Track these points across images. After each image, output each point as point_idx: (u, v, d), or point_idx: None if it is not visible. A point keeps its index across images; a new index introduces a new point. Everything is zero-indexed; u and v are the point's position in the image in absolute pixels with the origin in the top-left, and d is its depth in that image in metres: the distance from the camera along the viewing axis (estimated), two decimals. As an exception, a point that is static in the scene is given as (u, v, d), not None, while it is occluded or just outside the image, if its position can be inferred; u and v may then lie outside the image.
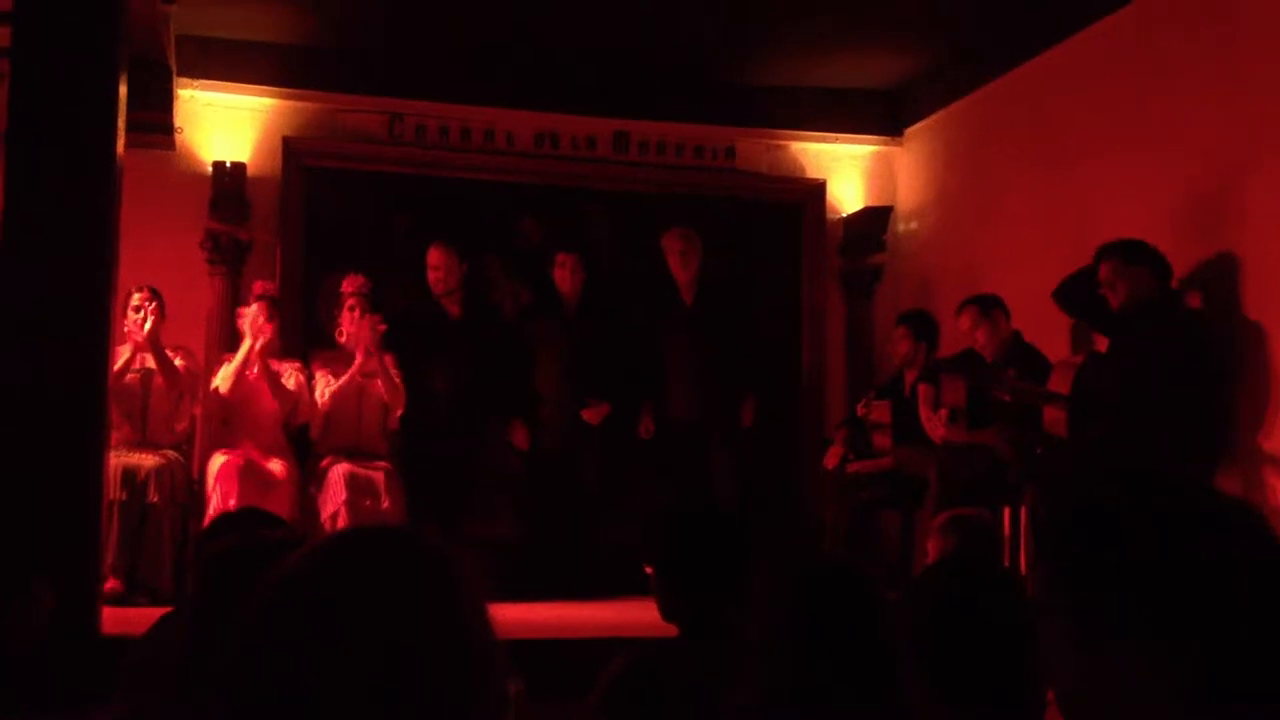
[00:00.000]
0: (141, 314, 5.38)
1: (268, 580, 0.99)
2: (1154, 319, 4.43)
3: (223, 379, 5.49)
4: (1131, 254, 4.48)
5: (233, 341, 5.74)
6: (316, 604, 0.96)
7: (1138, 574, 1.00)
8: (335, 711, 0.92)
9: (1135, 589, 0.99)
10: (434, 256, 5.93)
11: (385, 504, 5.37)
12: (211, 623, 1.37)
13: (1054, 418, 4.56)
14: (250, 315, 5.53)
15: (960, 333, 5.44)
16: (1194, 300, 4.67)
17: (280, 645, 0.94)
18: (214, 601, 1.59)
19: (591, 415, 5.99)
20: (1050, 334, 5.23)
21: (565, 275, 6.10)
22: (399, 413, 5.69)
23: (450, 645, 0.96)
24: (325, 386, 5.62)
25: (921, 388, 5.48)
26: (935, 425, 5.19)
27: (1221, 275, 4.67)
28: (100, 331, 3.61)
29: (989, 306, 5.29)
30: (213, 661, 0.98)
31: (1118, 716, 1.00)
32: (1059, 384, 4.60)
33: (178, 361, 5.48)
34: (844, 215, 7.10)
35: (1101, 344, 4.80)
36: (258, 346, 5.47)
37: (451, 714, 0.95)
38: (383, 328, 5.61)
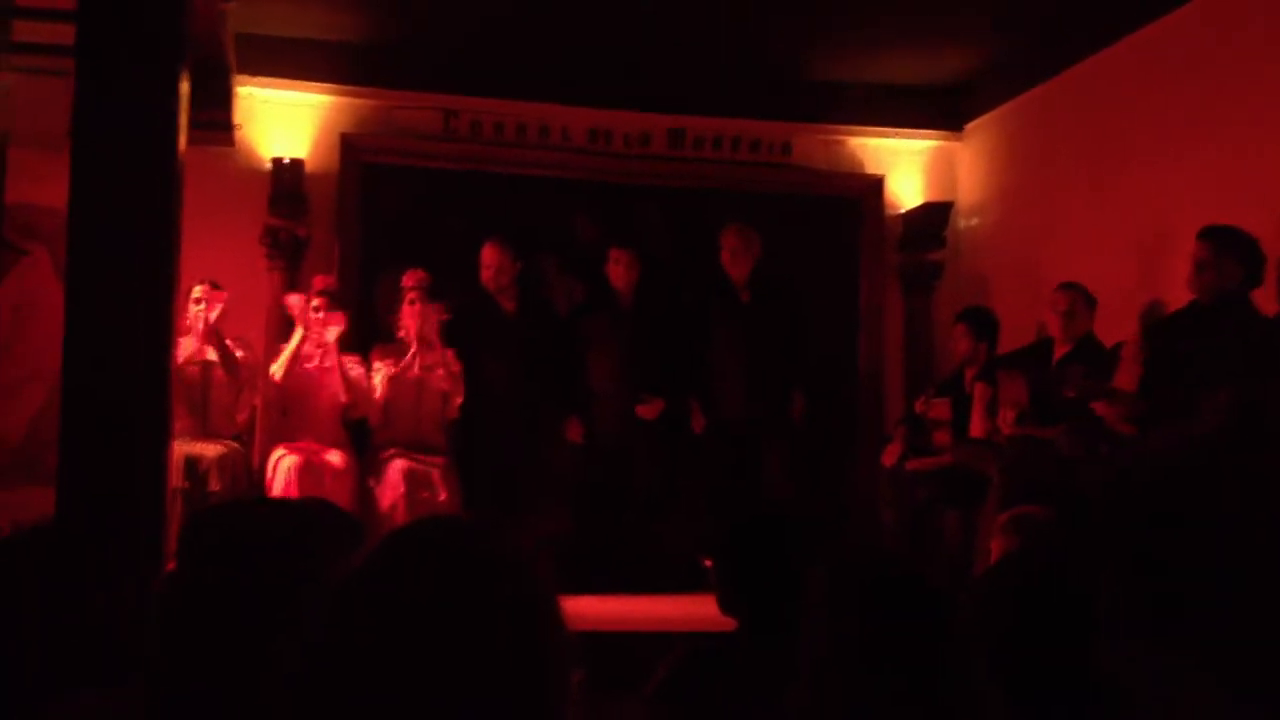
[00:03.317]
0: (202, 306, 5.49)
1: (337, 573, 0.99)
2: (1227, 317, 4.33)
3: (277, 365, 5.58)
4: (1226, 242, 4.38)
5: (290, 333, 5.83)
6: (391, 595, 0.96)
7: (1200, 576, 0.98)
8: (412, 698, 0.92)
9: (1198, 590, 0.97)
10: (488, 254, 5.96)
11: (442, 497, 5.43)
12: (185, 582, 1.37)
13: (1118, 415, 4.47)
14: (300, 306, 5.61)
15: (1051, 308, 5.29)
16: (1267, 302, 4.55)
17: (352, 638, 0.95)
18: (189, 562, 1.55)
19: (646, 411, 5.98)
20: (1115, 334, 5.13)
21: (620, 271, 6.10)
22: (459, 401, 5.73)
23: (522, 635, 0.96)
24: (384, 376, 5.68)
25: (978, 387, 5.42)
26: (1003, 423, 5.11)
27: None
28: (164, 324, 3.65)
29: (1090, 299, 5.20)
30: (283, 651, 0.98)
31: (1180, 716, 0.98)
32: (1124, 380, 4.51)
33: (238, 353, 5.59)
34: (903, 211, 7.04)
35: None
36: (331, 338, 5.54)
37: (521, 702, 0.94)
38: (445, 316, 5.67)
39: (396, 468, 5.45)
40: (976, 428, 5.31)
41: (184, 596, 1.31)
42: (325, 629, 0.96)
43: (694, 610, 4.21)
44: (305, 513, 1.48)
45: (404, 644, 0.93)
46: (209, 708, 1.24)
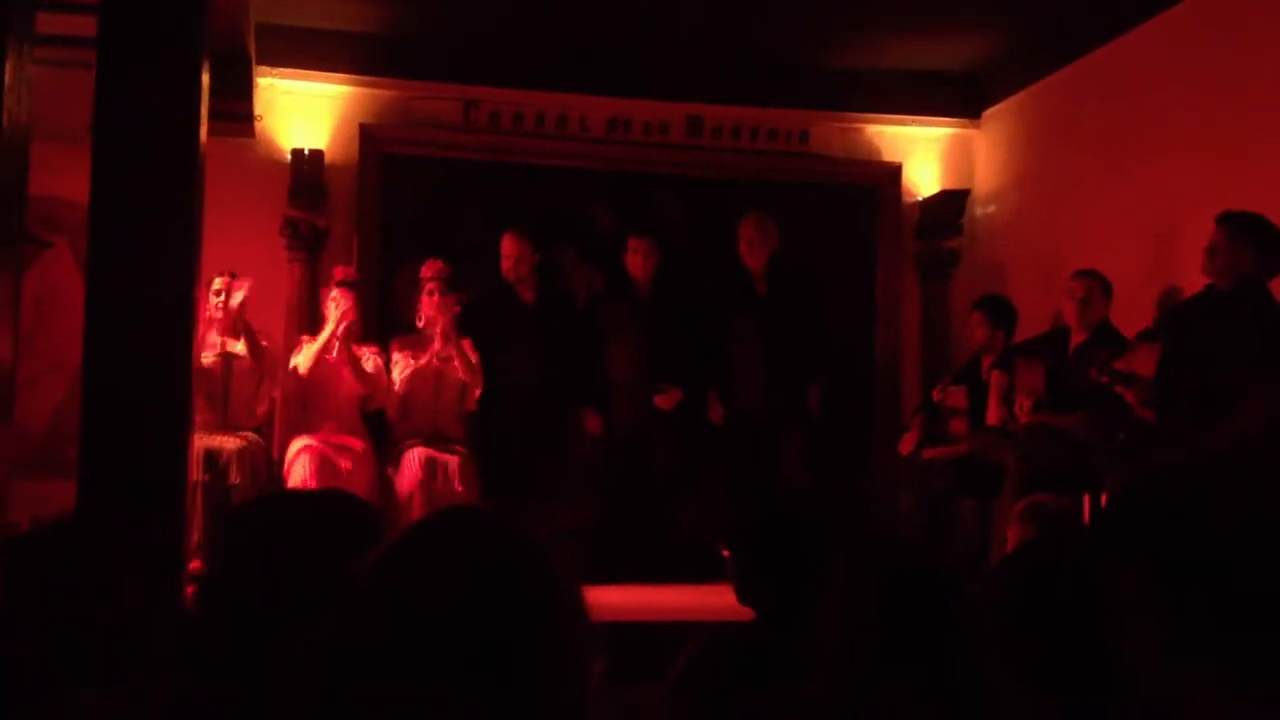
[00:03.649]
0: (222, 297, 5.52)
1: (358, 566, 1.01)
2: (1243, 303, 4.31)
3: (303, 359, 5.60)
4: (1241, 228, 4.35)
5: (313, 325, 5.85)
6: (412, 586, 0.97)
7: (1213, 577, 0.98)
8: (434, 689, 0.93)
9: (1211, 592, 0.97)
10: (507, 245, 5.97)
11: (459, 488, 5.44)
12: (222, 573, 1.40)
13: (1141, 401, 4.45)
14: (335, 299, 5.64)
15: (1068, 295, 5.28)
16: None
17: (373, 630, 0.96)
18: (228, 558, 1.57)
19: (664, 401, 5.99)
20: (1131, 321, 5.12)
21: (638, 261, 6.11)
22: (477, 393, 5.75)
23: (543, 625, 0.97)
24: (403, 369, 5.70)
25: (995, 375, 5.40)
26: (1019, 411, 5.10)
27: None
28: (184, 316, 3.67)
29: (1107, 287, 5.19)
30: (305, 645, 1.00)
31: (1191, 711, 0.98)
32: (1143, 365, 4.50)
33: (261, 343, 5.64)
34: (920, 199, 7.02)
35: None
36: (340, 330, 5.57)
37: (542, 692, 0.96)
38: (457, 308, 5.68)
39: (415, 455, 5.47)
40: (993, 416, 5.30)
41: (211, 597, 1.33)
42: (346, 622, 0.98)
43: (712, 600, 4.23)
44: (326, 505, 1.50)
45: (425, 635, 0.94)
46: (233, 704, 1.25)
